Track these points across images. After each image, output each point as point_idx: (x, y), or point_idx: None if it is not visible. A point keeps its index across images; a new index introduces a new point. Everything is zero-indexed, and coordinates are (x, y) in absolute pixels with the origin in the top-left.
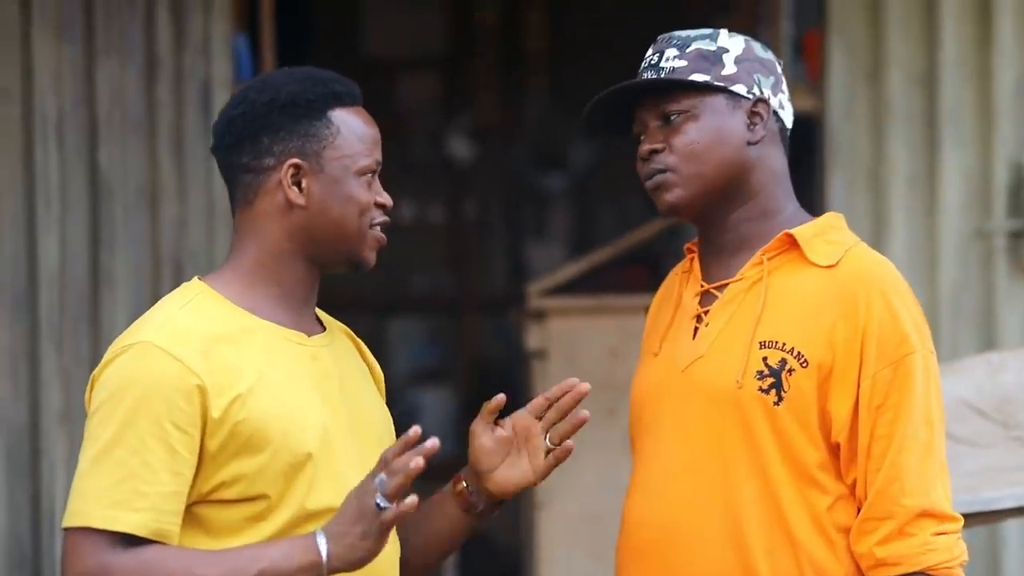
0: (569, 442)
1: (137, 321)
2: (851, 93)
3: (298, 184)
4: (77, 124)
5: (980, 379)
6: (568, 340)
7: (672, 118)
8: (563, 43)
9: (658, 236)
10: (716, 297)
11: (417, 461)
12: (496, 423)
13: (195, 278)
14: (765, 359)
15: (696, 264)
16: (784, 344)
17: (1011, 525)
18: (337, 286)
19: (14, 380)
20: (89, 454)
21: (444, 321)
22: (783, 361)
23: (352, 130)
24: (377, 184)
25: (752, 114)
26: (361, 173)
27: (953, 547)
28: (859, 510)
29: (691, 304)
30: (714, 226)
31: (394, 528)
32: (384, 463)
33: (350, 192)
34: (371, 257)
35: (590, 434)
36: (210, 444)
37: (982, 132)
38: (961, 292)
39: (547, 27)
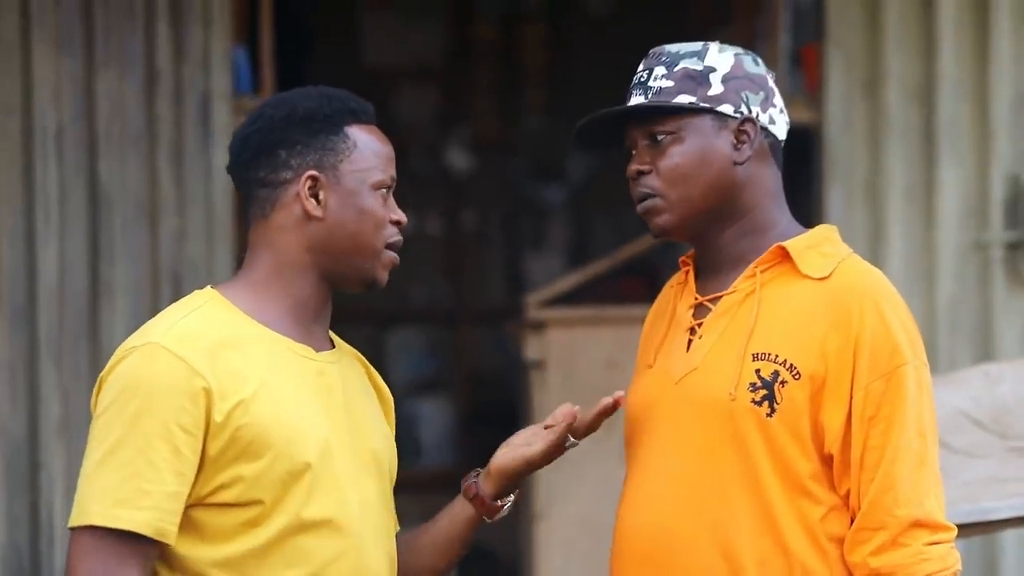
0: (574, 409)
1: (146, 324)
2: (849, 106)
3: (316, 196)
4: (76, 137)
5: (977, 390)
6: (566, 351)
7: (659, 139)
8: (561, 56)
9: (655, 247)
10: (710, 310)
11: None
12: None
13: (208, 286)
14: (758, 371)
15: (691, 277)
16: (777, 356)
17: (1008, 535)
18: (336, 298)
19: (13, 392)
20: (95, 454)
21: (442, 332)
22: (776, 373)
23: (368, 145)
24: (392, 201)
25: (739, 133)
26: (376, 187)
27: (946, 556)
28: (852, 520)
29: (685, 317)
30: (708, 244)
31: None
32: None
33: (366, 205)
34: (384, 276)
35: (587, 445)
36: (211, 448)
37: (979, 145)
38: (958, 304)
39: (545, 40)
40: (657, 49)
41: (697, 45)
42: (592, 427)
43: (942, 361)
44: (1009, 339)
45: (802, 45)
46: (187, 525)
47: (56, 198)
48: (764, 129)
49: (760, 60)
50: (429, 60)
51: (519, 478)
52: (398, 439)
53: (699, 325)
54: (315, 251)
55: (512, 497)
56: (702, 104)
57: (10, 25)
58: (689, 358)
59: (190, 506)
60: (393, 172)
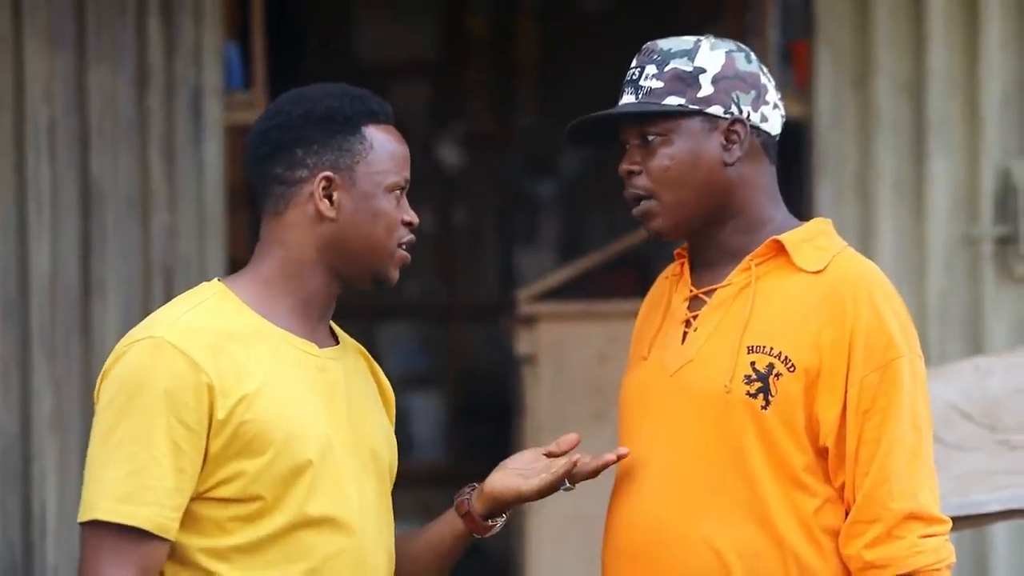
0: (572, 459)
1: (151, 316)
2: (839, 101)
3: (329, 197)
4: (68, 132)
5: (968, 383)
6: (557, 345)
7: (649, 139)
8: (554, 52)
9: (647, 241)
10: (705, 302)
11: None
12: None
13: (215, 279)
14: (753, 364)
15: (686, 269)
16: (772, 349)
17: (998, 528)
18: None
19: (5, 387)
20: (98, 449)
21: (434, 327)
22: (770, 366)
23: (384, 147)
24: (405, 202)
25: (729, 133)
26: (391, 190)
27: (941, 549)
28: (847, 513)
29: (680, 309)
30: (703, 240)
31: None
32: None
33: (379, 207)
34: (395, 274)
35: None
36: (213, 444)
37: (969, 139)
38: (948, 298)
39: (538, 35)
40: (650, 45)
41: (689, 42)
42: (591, 475)
43: (932, 355)
44: (999, 333)
45: (792, 41)
46: (187, 518)
47: (48, 193)
48: (755, 128)
49: (753, 56)
50: (422, 56)
51: (509, 506)
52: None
53: (694, 317)
54: (326, 250)
55: (504, 518)
56: (691, 106)
57: (2, 20)
58: (684, 350)
59: (191, 499)
60: (407, 173)
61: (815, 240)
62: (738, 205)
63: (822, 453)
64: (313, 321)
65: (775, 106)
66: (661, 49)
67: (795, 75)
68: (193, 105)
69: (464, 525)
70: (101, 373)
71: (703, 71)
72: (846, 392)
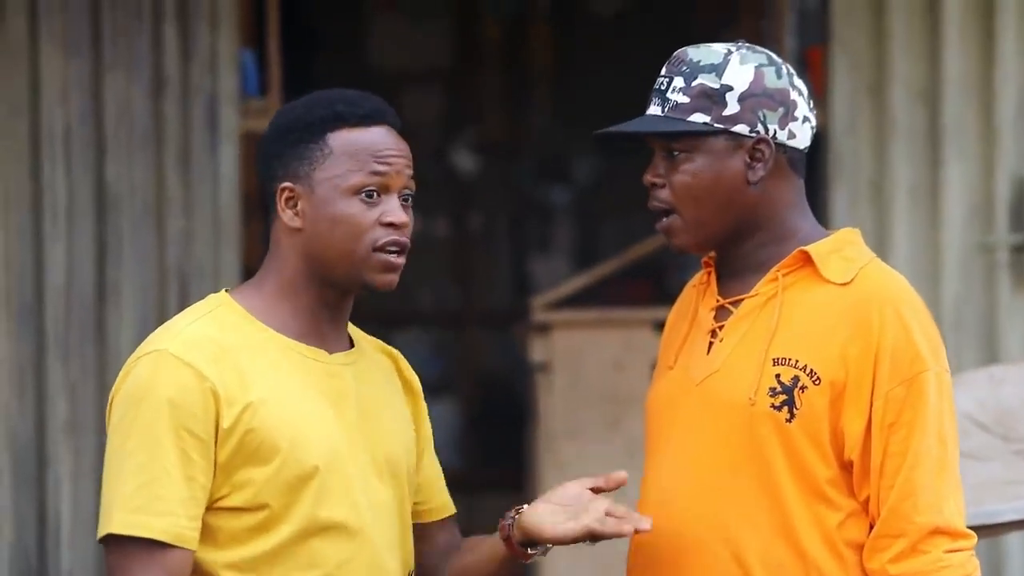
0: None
1: (156, 330)
2: (854, 108)
3: (294, 208)
4: (84, 139)
5: (982, 392)
6: (572, 353)
7: (674, 154)
8: (567, 57)
9: (662, 249)
10: (731, 312)
11: None
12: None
13: (223, 290)
14: (778, 376)
15: (713, 278)
16: (797, 361)
17: (1013, 538)
18: None
19: (20, 392)
20: (112, 465)
21: (448, 334)
22: (796, 378)
23: (345, 149)
24: (390, 202)
25: (753, 152)
26: (353, 191)
27: (966, 563)
28: (872, 527)
29: (706, 318)
30: (729, 252)
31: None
32: None
33: (337, 213)
34: (380, 280)
35: (593, 446)
36: (221, 453)
37: (984, 147)
38: (963, 306)
39: (551, 41)
40: (679, 54)
41: (719, 55)
42: (612, 536)
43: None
44: (1014, 341)
45: (807, 47)
46: (204, 530)
47: (64, 199)
48: (781, 145)
49: (785, 70)
50: (436, 62)
51: (543, 544)
52: None
53: (720, 328)
54: (307, 260)
55: (541, 550)
56: (716, 125)
57: (18, 27)
58: (710, 360)
59: (206, 510)
60: (383, 168)
61: (842, 251)
62: (763, 220)
63: (847, 466)
64: (322, 327)
65: (804, 120)
66: (690, 60)
67: (811, 82)
68: (208, 112)
69: (506, 549)
70: (111, 392)
71: (730, 88)
72: (871, 405)
